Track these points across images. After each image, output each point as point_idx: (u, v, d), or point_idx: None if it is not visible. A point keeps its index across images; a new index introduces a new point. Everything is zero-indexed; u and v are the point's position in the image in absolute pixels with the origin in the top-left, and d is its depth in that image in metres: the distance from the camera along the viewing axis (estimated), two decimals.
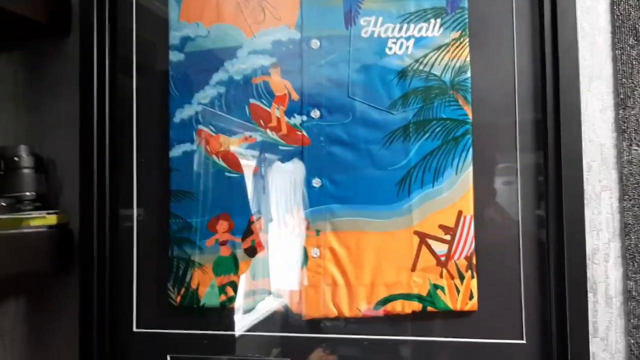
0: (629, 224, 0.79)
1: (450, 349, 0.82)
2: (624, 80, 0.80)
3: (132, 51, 0.93)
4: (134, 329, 0.90)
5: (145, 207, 0.92)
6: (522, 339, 0.80)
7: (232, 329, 0.88)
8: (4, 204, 0.84)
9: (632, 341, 0.78)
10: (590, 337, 0.78)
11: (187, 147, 0.90)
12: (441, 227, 0.83)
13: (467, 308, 0.82)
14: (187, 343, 0.89)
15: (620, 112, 0.80)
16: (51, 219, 0.90)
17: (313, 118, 0.86)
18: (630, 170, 0.79)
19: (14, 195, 0.89)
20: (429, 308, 0.83)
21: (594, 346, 0.80)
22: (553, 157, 0.78)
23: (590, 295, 0.80)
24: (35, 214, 0.88)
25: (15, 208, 0.88)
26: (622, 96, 0.80)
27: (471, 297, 0.82)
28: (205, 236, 0.89)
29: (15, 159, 0.89)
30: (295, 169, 0.87)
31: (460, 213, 0.82)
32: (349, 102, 0.85)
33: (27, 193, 0.90)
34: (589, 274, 0.79)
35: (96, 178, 0.90)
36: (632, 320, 0.78)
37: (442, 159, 0.83)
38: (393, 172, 0.84)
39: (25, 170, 0.90)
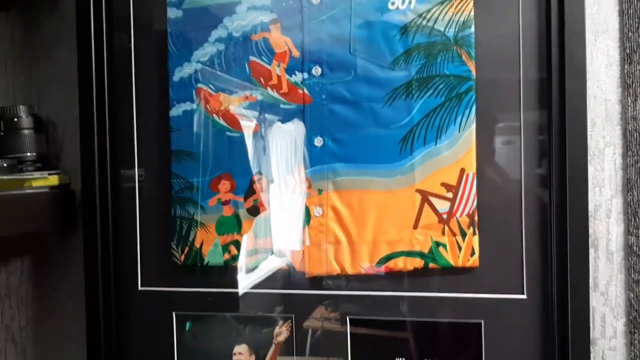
0: (632, 179, 0.79)
1: (452, 304, 0.83)
2: (630, 34, 0.79)
3: (130, 8, 0.91)
4: (139, 287, 0.92)
5: (146, 168, 0.91)
6: (522, 294, 0.81)
7: (236, 286, 0.89)
8: (6, 165, 0.84)
9: (632, 295, 0.79)
10: (590, 291, 0.79)
11: (187, 106, 0.89)
12: (443, 185, 0.83)
13: (468, 264, 0.82)
14: (192, 300, 0.90)
15: (626, 67, 0.79)
16: (53, 180, 0.90)
17: (314, 75, 0.85)
18: (634, 126, 0.79)
19: (15, 156, 0.89)
20: (431, 265, 0.83)
21: (594, 300, 0.81)
22: (557, 113, 0.78)
23: (591, 250, 0.80)
24: (37, 174, 0.88)
25: (17, 169, 0.88)
26: (628, 51, 0.79)
27: (472, 254, 0.82)
28: (207, 196, 0.89)
29: (15, 119, 0.88)
30: (296, 128, 0.86)
31: (462, 171, 0.82)
32: (350, 59, 0.84)
33: (28, 154, 0.90)
34: (590, 230, 0.80)
35: (96, 138, 0.90)
36: (632, 275, 0.79)
37: (445, 116, 0.82)
38: (395, 130, 0.83)
39: (25, 131, 0.90)
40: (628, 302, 0.80)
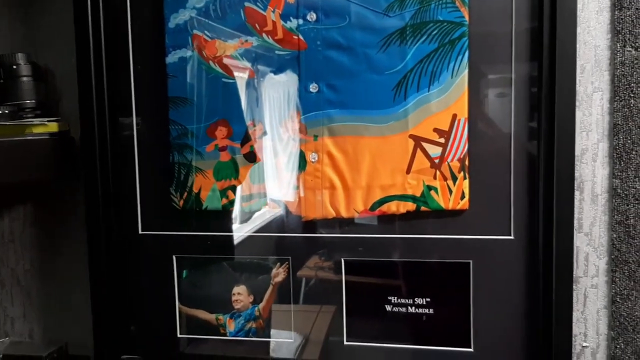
0: (618, 124, 0.81)
1: (442, 245, 0.86)
2: None
3: None
4: (140, 232, 0.94)
5: (144, 115, 0.93)
6: (510, 235, 0.84)
7: (234, 230, 0.92)
8: (7, 112, 0.85)
9: (615, 235, 0.83)
10: (575, 232, 0.82)
11: (183, 53, 0.90)
12: (436, 130, 0.85)
13: (458, 207, 0.85)
14: (192, 244, 0.93)
15: (616, 13, 0.80)
16: (52, 127, 0.92)
17: (309, 21, 0.86)
18: (622, 71, 0.80)
19: (15, 104, 0.90)
20: (423, 208, 0.86)
21: (578, 241, 0.84)
22: (548, 59, 0.79)
23: (577, 193, 0.83)
24: (37, 121, 0.90)
25: (18, 116, 0.89)
26: None
27: (462, 197, 0.85)
28: (204, 142, 0.91)
29: (14, 67, 0.89)
30: (289, 80, 0.87)
31: (454, 116, 0.84)
32: (345, 5, 0.84)
33: (28, 101, 0.91)
34: (577, 173, 0.82)
35: (94, 86, 0.91)
36: (615, 216, 0.82)
37: (439, 62, 0.83)
38: (390, 76, 0.85)
39: (24, 79, 0.91)
40: (610, 242, 0.83)
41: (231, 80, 0.89)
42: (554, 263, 0.81)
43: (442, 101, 0.84)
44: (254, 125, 0.90)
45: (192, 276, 0.94)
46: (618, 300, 0.83)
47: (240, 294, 0.93)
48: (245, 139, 0.90)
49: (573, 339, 0.84)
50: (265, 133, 0.90)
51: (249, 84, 0.89)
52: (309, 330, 0.92)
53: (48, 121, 0.91)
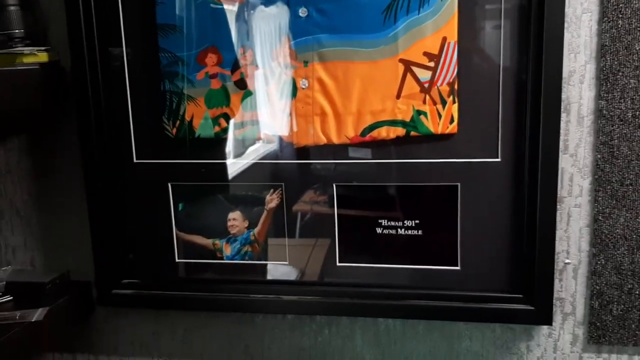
0: (606, 45, 0.82)
1: (431, 169, 0.88)
2: None
3: None
4: (135, 160, 0.96)
5: (133, 43, 0.92)
6: (497, 158, 0.86)
7: (227, 158, 0.93)
8: None
9: (599, 156, 0.85)
10: (560, 153, 0.84)
11: None
12: (426, 54, 0.85)
13: (447, 131, 0.87)
14: (186, 172, 0.95)
15: None
16: (43, 57, 0.91)
17: None
18: None
19: (3, 33, 0.89)
20: (412, 133, 0.88)
21: (564, 162, 0.86)
22: None
23: (563, 115, 0.84)
24: (27, 50, 0.89)
25: (7, 46, 0.89)
26: None
27: (452, 121, 0.86)
28: (195, 69, 0.91)
29: None
30: (280, 11, 0.87)
31: (444, 39, 0.84)
32: None
33: (16, 31, 0.90)
34: (563, 95, 0.83)
35: (82, 15, 0.90)
36: (600, 137, 0.84)
37: None
38: None
39: (12, 7, 0.90)
40: (595, 163, 0.85)
41: (219, 6, 0.88)
42: (539, 184, 0.84)
43: (431, 24, 0.84)
44: (244, 52, 0.90)
45: (188, 203, 0.96)
46: (600, 218, 0.86)
47: (236, 220, 0.95)
48: (236, 66, 0.90)
49: (556, 256, 0.87)
50: (255, 60, 0.90)
51: (239, 9, 0.88)
52: (305, 257, 0.95)
53: (38, 51, 0.90)
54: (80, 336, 1.07)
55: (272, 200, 0.94)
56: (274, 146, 0.92)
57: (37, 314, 0.91)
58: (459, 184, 0.88)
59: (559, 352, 0.92)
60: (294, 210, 0.94)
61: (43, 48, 0.92)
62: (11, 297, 0.97)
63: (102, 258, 0.97)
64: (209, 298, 0.96)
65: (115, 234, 0.97)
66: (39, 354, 1.09)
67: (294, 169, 0.93)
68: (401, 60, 0.86)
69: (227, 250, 0.97)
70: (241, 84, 0.91)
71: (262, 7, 0.88)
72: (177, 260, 0.98)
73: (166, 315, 1.03)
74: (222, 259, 0.97)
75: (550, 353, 0.92)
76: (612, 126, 0.84)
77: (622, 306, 0.88)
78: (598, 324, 0.89)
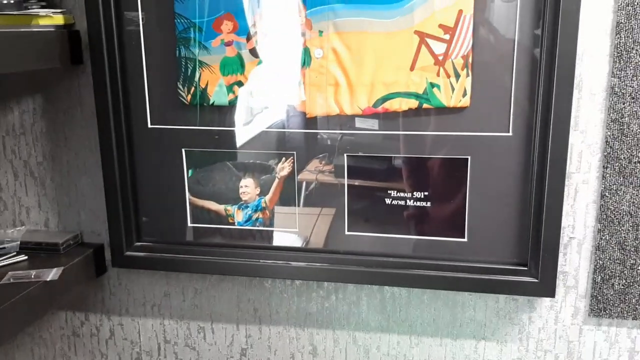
0: (621, 22, 0.82)
1: (442, 142, 0.89)
2: None
3: None
4: (149, 125, 0.97)
5: (149, 8, 0.92)
6: (508, 132, 0.87)
7: (241, 125, 0.94)
8: (12, 2, 0.85)
9: (609, 133, 0.86)
10: (570, 130, 0.85)
11: None
12: (441, 26, 0.85)
13: (460, 104, 0.88)
14: (200, 138, 0.96)
15: None
16: (58, 19, 0.92)
17: None
18: None
19: None
20: (425, 105, 0.89)
21: (573, 138, 0.87)
22: None
23: (575, 92, 0.85)
24: (43, 12, 0.89)
25: (23, 7, 0.89)
26: None
27: (465, 95, 0.87)
28: (210, 36, 0.91)
29: None
30: None
31: (460, 12, 0.84)
32: None
33: None
34: (576, 72, 0.84)
35: None
36: (611, 114, 0.85)
37: None
38: None
39: None
40: (604, 140, 0.86)
41: None
42: (548, 159, 0.85)
43: None
44: (260, 20, 0.90)
45: (201, 169, 0.98)
46: (607, 194, 0.88)
47: (248, 187, 0.97)
48: (251, 34, 0.90)
49: (561, 230, 0.89)
50: (270, 28, 0.90)
51: None
52: (313, 225, 0.97)
53: (53, 13, 0.91)
54: (93, 296, 1.09)
55: (283, 168, 0.95)
56: (286, 115, 0.93)
57: (52, 274, 0.94)
58: (469, 157, 0.89)
59: (560, 323, 0.94)
60: (302, 179, 0.95)
61: (59, 10, 0.92)
62: (26, 257, 0.99)
63: (115, 220, 0.99)
64: (219, 262, 0.99)
65: (129, 197, 0.99)
66: (52, 313, 1.12)
67: (306, 138, 0.94)
68: (416, 32, 0.86)
69: (239, 216, 0.98)
70: (256, 52, 0.91)
71: None
72: (189, 224, 1.00)
73: (177, 278, 1.05)
74: (233, 224, 0.99)
75: (551, 324, 0.95)
76: (623, 104, 0.84)
77: (624, 281, 0.90)
78: (599, 297, 0.91)
